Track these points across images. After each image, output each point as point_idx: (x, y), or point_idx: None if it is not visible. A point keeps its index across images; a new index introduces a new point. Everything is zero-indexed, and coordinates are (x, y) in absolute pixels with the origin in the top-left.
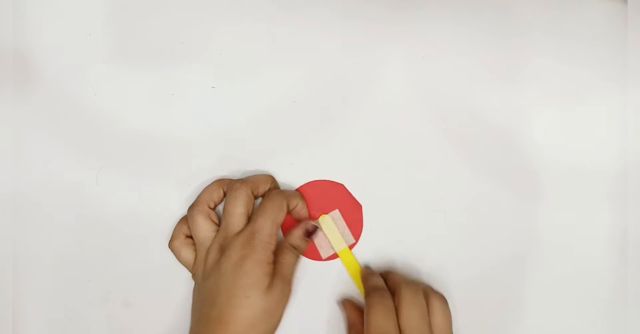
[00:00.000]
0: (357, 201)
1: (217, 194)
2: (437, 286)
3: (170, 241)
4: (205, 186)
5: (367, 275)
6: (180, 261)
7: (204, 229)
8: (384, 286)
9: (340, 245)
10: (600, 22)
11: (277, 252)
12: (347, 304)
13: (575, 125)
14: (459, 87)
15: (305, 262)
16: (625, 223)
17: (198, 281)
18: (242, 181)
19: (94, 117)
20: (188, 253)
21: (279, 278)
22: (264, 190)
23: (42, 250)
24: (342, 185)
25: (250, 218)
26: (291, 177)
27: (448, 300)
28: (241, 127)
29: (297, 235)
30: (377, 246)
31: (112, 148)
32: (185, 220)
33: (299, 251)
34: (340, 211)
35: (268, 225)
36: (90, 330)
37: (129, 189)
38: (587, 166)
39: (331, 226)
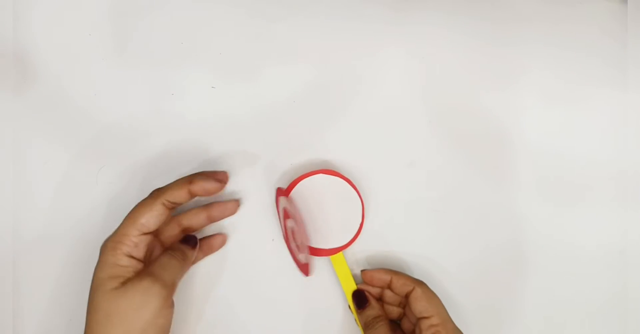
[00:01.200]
0: (360, 198)
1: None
2: (436, 285)
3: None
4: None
5: (395, 272)
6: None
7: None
8: (378, 312)
9: (349, 283)
10: (600, 22)
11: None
12: (369, 295)
13: (575, 125)
14: (459, 87)
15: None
16: (625, 223)
17: None
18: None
19: (94, 116)
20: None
21: (141, 278)
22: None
23: (42, 250)
24: (346, 178)
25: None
26: (291, 177)
27: (447, 299)
28: (241, 127)
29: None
30: (376, 246)
31: (112, 148)
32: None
33: (178, 256)
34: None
35: (123, 225)
36: None
37: (129, 189)
38: (587, 166)
39: (343, 264)
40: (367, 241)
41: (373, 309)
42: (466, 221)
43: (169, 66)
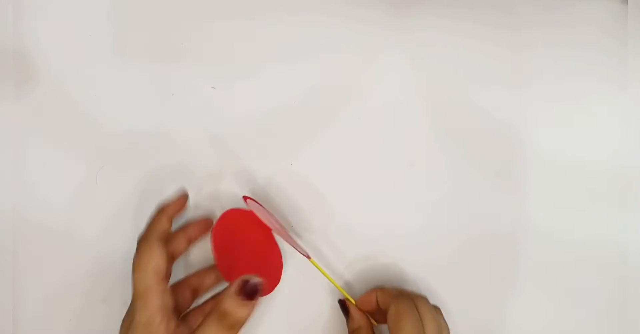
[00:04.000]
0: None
1: (168, 227)
2: (435, 285)
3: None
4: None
5: (380, 288)
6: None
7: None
8: (359, 323)
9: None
10: (600, 22)
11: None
12: (349, 305)
13: (575, 125)
14: (459, 88)
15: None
16: (625, 223)
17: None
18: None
19: (94, 117)
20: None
21: None
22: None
23: (42, 249)
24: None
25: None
26: (291, 177)
27: (447, 299)
28: (241, 127)
29: (230, 294)
30: (376, 245)
31: (112, 148)
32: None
33: (231, 322)
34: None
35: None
36: (90, 330)
37: (129, 189)
38: (587, 166)
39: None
40: (368, 242)
41: (353, 320)
42: (467, 221)
43: (169, 66)
